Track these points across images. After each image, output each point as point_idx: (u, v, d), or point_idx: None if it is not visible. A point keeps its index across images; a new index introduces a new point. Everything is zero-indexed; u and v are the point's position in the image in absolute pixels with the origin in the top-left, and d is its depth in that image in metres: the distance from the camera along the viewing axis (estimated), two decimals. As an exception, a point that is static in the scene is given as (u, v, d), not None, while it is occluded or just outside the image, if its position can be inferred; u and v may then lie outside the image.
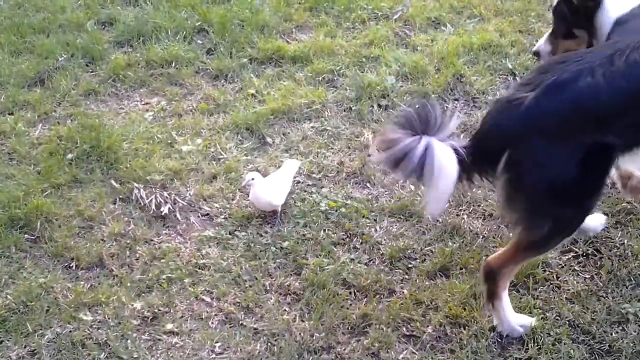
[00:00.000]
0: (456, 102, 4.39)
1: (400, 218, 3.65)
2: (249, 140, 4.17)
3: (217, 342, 3.06)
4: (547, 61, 2.95)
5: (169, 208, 3.70)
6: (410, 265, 3.40)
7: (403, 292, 3.26)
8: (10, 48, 4.98)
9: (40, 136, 4.20)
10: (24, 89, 4.59)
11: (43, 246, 3.49)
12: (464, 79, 4.49)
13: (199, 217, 3.70)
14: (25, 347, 3.03)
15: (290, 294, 3.28)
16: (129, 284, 3.30)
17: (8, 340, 3.05)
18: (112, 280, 3.33)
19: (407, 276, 3.35)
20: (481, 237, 3.52)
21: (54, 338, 3.07)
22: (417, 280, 3.31)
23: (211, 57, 4.88)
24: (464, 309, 3.15)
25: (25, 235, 3.55)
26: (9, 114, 4.38)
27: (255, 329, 3.12)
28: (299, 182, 3.87)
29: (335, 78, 4.63)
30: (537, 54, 3.66)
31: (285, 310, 3.20)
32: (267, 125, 4.25)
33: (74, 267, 3.40)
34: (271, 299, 3.25)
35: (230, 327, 3.13)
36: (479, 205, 3.70)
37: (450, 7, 5.24)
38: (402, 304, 3.19)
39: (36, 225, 3.57)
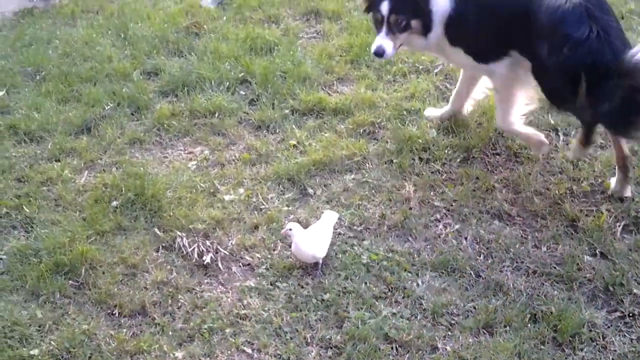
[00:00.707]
0: (497, 156, 4.38)
1: (443, 273, 3.63)
2: (291, 191, 4.20)
3: (258, 394, 3.05)
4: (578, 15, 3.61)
5: (211, 257, 3.72)
6: (453, 322, 3.37)
7: (446, 349, 3.23)
8: (58, 96, 5.10)
9: (86, 183, 4.27)
10: (70, 137, 4.68)
11: (87, 293, 3.53)
12: (506, 134, 4.48)
13: (240, 267, 3.71)
14: (67, 394, 3.05)
15: (331, 348, 3.26)
16: (170, 333, 3.31)
17: (50, 387, 3.08)
18: (154, 328, 3.35)
19: (450, 332, 3.31)
20: (525, 294, 3.48)
21: (96, 386, 3.08)
22: (461, 337, 3.28)
23: (254, 107, 4.95)
24: (509, 368, 3.11)
25: (70, 282, 3.59)
26: (55, 161, 4.47)
27: (296, 382, 3.11)
28: (340, 233, 3.88)
29: (376, 130, 4.66)
30: (380, 54, 4.10)
31: (326, 364, 3.18)
32: (308, 176, 4.28)
33: (116, 315, 3.43)
34: (312, 352, 3.23)
35: (271, 380, 3.12)
36: (522, 262, 3.66)
37: (491, 62, 5.25)
38: (445, 360, 3.16)
39: (81, 272, 3.62)
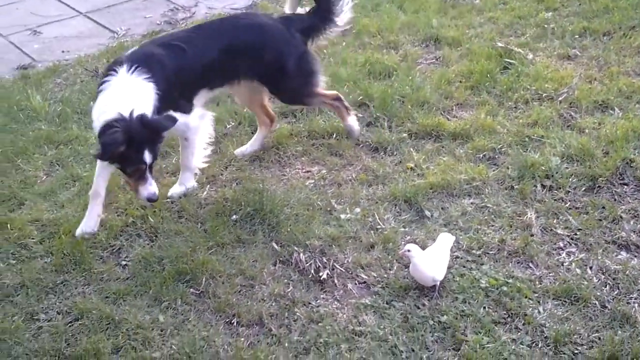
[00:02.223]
0: (625, 186, 4.20)
1: (566, 301, 3.50)
2: (407, 212, 4.17)
3: (372, 411, 3.01)
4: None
5: (327, 273, 3.74)
6: (576, 351, 3.24)
7: (569, 379, 3.10)
8: (183, 114, 5.28)
9: (207, 197, 4.40)
10: (193, 153, 4.83)
11: (207, 301, 3.61)
12: (634, 164, 4.30)
13: (356, 284, 3.71)
14: (186, 397, 3.11)
15: (448, 370, 3.19)
16: (287, 344, 3.34)
17: (170, 389, 3.15)
18: (271, 339, 3.39)
19: (573, 362, 3.18)
20: (654, 328, 3.31)
21: (214, 390, 3.14)
22: (585, 368, 3.14)
23: (371, 130, 4.97)
24: (637, 403, 2.95)
25: (191, 290, 3.69)
26: (179, 175, 4.63)
27: (412, 402, 3.06)
28: (457, 257, 3.81)
29: (497, 156, 4.57)
30: (155, 199, 3.97)
31: (442, 385, 3.12)
32: (425, 198, 4.24)
33: (235, 324, 3.49)
34: (429, 373, 3.18)
35: (386, 398, 3.08)
36: (651, 295, 3.49)
37: (619, 91, 5.06)
38: (568, 391, 3.03)
39: (201, 281, 3.71)
